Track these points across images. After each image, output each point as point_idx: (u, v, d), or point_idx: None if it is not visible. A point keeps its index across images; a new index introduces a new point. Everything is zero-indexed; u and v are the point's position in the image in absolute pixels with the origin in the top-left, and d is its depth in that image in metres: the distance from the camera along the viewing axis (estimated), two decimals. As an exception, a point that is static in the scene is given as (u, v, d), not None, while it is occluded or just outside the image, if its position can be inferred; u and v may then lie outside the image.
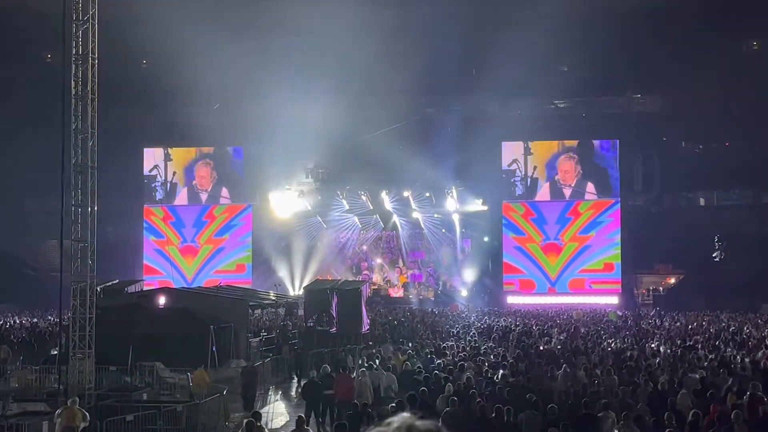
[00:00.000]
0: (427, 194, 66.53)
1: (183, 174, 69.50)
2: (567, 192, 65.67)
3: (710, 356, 23.98)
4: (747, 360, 22.86)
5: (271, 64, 60.38)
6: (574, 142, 66.25)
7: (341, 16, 63.41)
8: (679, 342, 29.36)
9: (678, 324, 40.82)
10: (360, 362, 25.10)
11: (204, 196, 69.51)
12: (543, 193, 65.85)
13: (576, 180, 65.48)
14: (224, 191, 69.38)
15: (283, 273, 65.79)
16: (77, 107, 21.63)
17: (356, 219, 68.50)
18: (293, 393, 26.10)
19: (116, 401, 20.36)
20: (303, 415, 17.33)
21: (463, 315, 50.67)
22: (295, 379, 27.79)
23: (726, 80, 61.70)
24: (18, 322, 44.86)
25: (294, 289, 62.02)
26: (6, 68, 59.76)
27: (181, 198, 69.29)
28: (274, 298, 38.28)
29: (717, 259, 61.19)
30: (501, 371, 20.24)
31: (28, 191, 66.15)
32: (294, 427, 15.57)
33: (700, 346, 27.53)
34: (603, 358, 23.78)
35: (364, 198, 67.16)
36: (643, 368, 20.57)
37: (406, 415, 3.85)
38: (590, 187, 65.37)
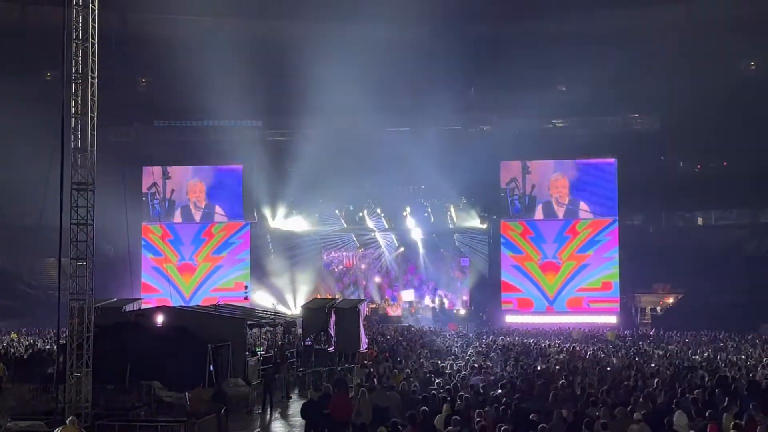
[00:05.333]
0: (425, 213, 66.64)
1: (179, 192, 69.51)
2: (561, 211, 65.62)
3: (709, 376, 23.92)
4: (745, 380, 22.81)
5: (267, 82, 60.59)
6: (571, 161, 66.31)
7: (335, 33, 63.81)
8: (677, 362, 29.30)
9: (676, 344, 40.80)
10: (358, 381, 25.02)
11: (198, 214, 69.51)
12: (537, 212, 65.83)
13: (569, 198, 65.48)
14: (218, 209, 69.36)
15: (281, 292, 65.74)
16: (76, 126, 21.69)
17: (354, 237, 68.57)
18: (290, 412, 26.01)
19: (113, 420, 20.30)
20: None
21: (461, 334, 50.60)
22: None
23: (724, 100, 61.84)
24: (16, 340, 44.78)
25: (292, 308, 61.96)
26: (6, 86, 59.82)
27: (177, 216, 69.29)
28: (272, 316, 38.19)
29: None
30: (500, 391, 20.19)
31: (26, 209, 66.11)
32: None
33: (698, 366, 27.48)
34: (601, 378, 23.73)
35: (362, 216, 67.25)
36: (640, 388, 20.52)
37: None
38: (583, 205, 65.34)
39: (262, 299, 63.17)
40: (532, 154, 65.87)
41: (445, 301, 66.95)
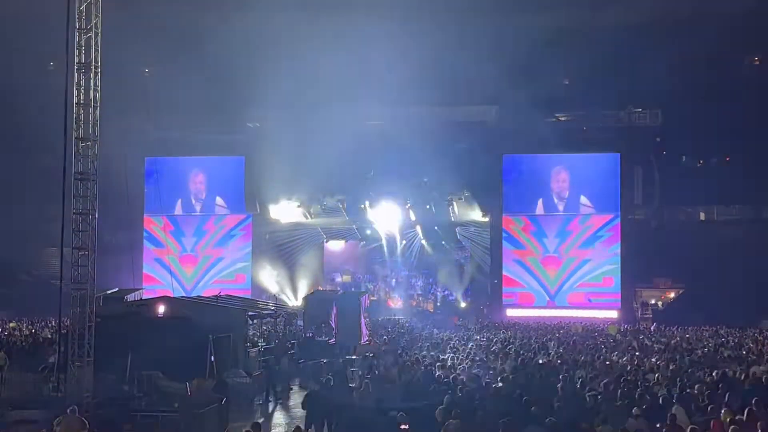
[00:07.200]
0: (428, 206, 66.54)
1: (180, 183, 69.40)
2: (561, 205, 65.52)
3: (710, 371, 23.92)
4: (746, 375, 22.81)
5: (270, 74, 60.48)
6: (573, 156, 66.17)
7: (341, 26, 63.68)
8: (678, 356, 29.31)
9: (677, 339, 40.78)
10: (360, 373, 25.05)
11: (198, 206, 69.47)
12: (538, 207, 65.70)
13: (569, 192, 65.34)
14: (218, 200, 69.29)
15: (282, 283, 65.81)
16: (79, 116, 21.66)
17: (356, 229, 68.55)
18: (291, 403, 26.06)
19: (114, 410, 20.31)
20: (301, 426, 17.23)
21: (462, 327, 50.62)
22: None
23: (727, 95, 61.70)
24: (17, 329, 44.85)
25: (294, 300, 62.02)
26: (9, 76, 59.86)
27: (177, 208, 69.22)
28: (273, 308, 38.25)
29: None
30: (500, 384, 20.20)
31: (28, 198, 66.15)
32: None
33: (699, 360, 27.48)
34: (601, 372, 23.74)
35: (364, 208, 67.17)
36: (641, 382, 20.52)
37: None
38: (584, 200, 65.22)
39: (263, 291, 63.36)
40: (535, 148, 65.75)
41: (447, 294, 66.99)
